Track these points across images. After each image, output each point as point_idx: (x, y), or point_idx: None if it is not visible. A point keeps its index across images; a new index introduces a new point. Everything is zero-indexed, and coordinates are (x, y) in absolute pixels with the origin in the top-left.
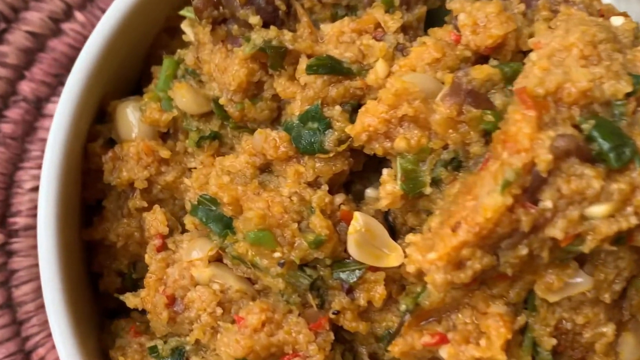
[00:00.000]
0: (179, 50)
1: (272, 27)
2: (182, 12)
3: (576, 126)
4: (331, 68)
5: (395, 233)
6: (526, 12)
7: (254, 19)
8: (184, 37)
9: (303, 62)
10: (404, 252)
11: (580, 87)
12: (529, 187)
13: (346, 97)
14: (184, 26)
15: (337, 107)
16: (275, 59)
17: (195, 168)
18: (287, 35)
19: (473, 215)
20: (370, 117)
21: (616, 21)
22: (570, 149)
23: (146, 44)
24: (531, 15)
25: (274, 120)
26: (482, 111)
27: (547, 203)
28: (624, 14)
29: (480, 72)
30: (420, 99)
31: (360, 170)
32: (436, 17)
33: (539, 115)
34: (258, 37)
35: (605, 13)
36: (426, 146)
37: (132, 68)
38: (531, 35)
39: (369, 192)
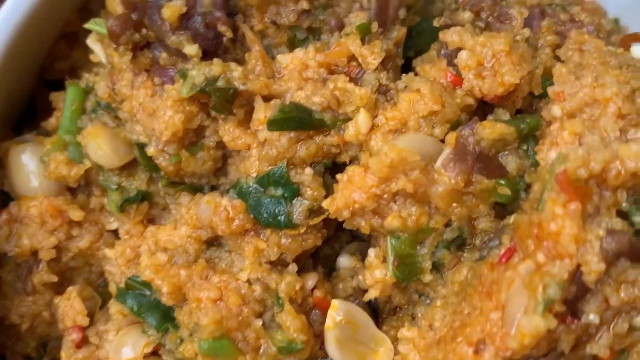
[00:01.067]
0: (86, 76)
1: (215, 60)
2: (88, 26)
3: (621, 212)
4: (299, 122)
5: (377, 314)
6: (529, 37)
7: (191, 49)
8: (91, 56)
9: (260, 110)
10: (393, 344)
11: (630, 169)
12: (572, 298)
13: (318, 155)
14: (91, 43)
15: (308, 170)
16: (222, 102)
17: (116, 230)
18: (236, 71)
19: (503, 337)
20: (356, 191)
21: (638, 51)
22: (621, 250)
23: (39, 55)
24: (534, 40)
25: (218, 171)
26: (495, 181)
27: (592, 317)
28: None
29: (492, 132)
30: (420, 168)
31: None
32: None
33: (584, 206)
34: (198, 74)
35: (622, 41)
36: (426, 226)
37: (22, 88)
38: (545, 73)
39: (343, 261)
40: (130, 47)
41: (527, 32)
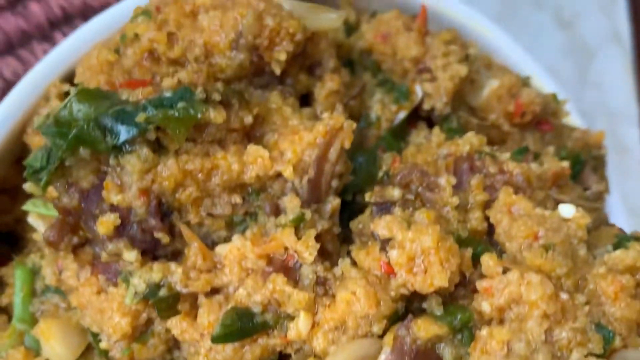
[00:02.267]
0: (32, 257)
1: (155, 266)
2: (26, 207)
3: None
4: (242, 332)
5: None
6: (459, 204)
7: (130, 255)
8: (34, 235)
9: (203, 314)
10: None
11: None
12: None
13: (264, 357)
14: (33, 221)
15: None
16: (165, 309)
17: None
18: (176, 273)
19: None
20: None
21: (566, 211)
22: None
23: None
24: (464, 200)
25: (173, 346)
26: None
27: None
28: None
29: (427, 333)
30: None
31: None
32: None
33: None
34: (139, 282)
35: (554, 204)
36: None
37: None
38: (476, 240)
39: None
40: (70, 249)
41: (455, 200)
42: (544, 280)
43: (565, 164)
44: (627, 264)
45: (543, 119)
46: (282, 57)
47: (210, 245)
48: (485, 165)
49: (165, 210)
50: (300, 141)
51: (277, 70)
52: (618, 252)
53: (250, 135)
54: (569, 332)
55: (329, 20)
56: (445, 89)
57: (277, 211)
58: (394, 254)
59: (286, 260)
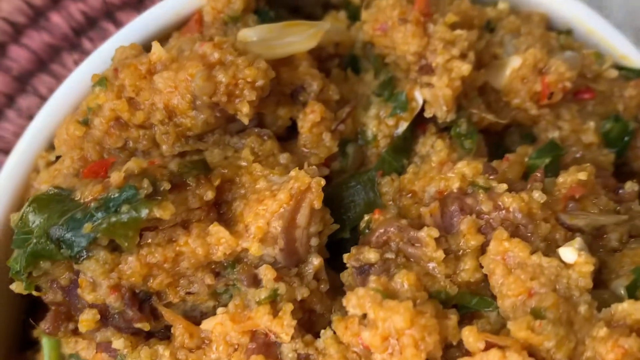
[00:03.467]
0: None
1: (143, 350)
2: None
3: None
4: None
5: None
6: (451, 250)
7: (118, 343)
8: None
9: None
10: None
11: None
12: None
13: None
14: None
15: None
16: None
17: None
18: (164, 356)
19: None
20: None
21: (568, 256)
22: None
23: None
24: (456, 245)
25: None
26: None
27: None
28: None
29: None
30: None
31: None
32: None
33: None
34: None
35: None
36: None
37: None
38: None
39: None
40: (70, 334)
41: (440, 255)
42: None
43: (583, 175)
44: (636, 319)
45: (582, 88)
46: (245, 109)
47: (199, 316)
48: (479, 202)
49: (142, 297)
50: (264, 213)
51: (245, 120)
52: (626, 305)
53: (218, 203)
54: None
55: (304, 40)
56: (444, 97)
57: (255, 281)
58: (366, 335)
59: (267, 337)
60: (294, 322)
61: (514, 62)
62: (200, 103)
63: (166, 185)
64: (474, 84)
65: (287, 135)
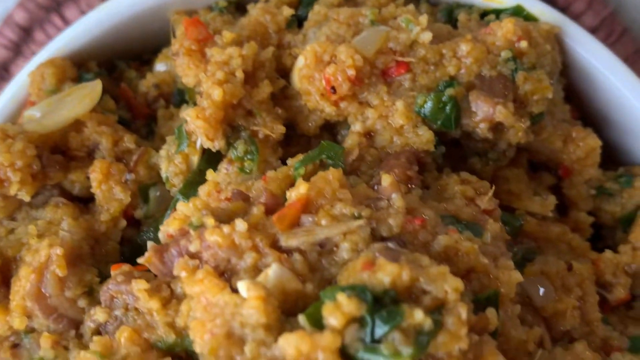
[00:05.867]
0: None
1: None
2: None
3: None
4: None
5: None
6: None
7: None
8: None
9: None
10: None
11: None
12: None
13: None
14: None
15: None
16: None
17: None
18: None
19: None
20: None
21: (243, 291)
22: None
23: None
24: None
25: None
26: None
27: None
28: None
29: None
30: None
31: None
32: None
33: None
34: None
35: None
36: None
37: None
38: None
39: None
40: None
41: (154, 305)
42: None
43: (303, 188)
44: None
45: (389, 65)
46: (13, 190)
47: None
48: (190, 242)
49: None
50: (19, 290)
51: (26, 198)
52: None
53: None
54: None
55: (80, 103)
56: (200, 128)
57: None
58: None
59: None
60: None
61: (299, 62)
62: None
63: None
64: (257, 99)
65: None
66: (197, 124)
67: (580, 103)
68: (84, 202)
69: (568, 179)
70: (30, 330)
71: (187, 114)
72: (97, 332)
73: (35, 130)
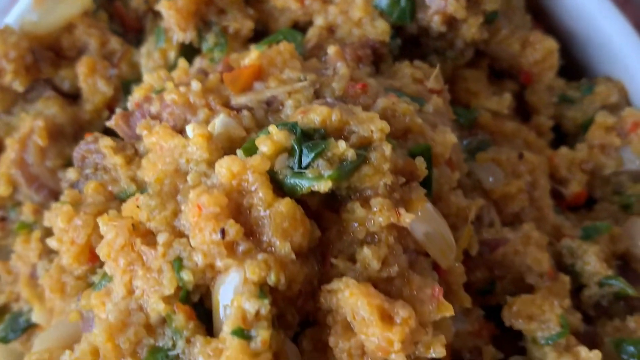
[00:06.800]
0: None
1: None
2: None
3: None
4: None
5: None
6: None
7: None
8: None
9: None
10: None
11: None
12: None
13: None
14: None
15: None
16: None
17: None
18: None
19: None
20: None
21: (189, 132)
22: None
23: None
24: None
25: None
26: None
27: None
28: None
29: None
30: None
31: None
32: None
33: None
34: None
35: None
36: None
37: None
38: None
39: None
40: None
41: (118, 161)
42: None
43: (254, 54)
44: (226, 179)
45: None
46: (8, 79)
47: None
48: (152, 104)
49: None
50: (6, 160)
51: (20, 89)
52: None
53: None
54: None
55: (71, 5)
56: (171, 18)
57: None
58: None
59: None
60: (41, 246)
61: None
62: None
63: None
64: None
65: None
66: (169, 14)
67: (546, 20)
68: (73, 98)
69: (530, 85)
70: (17, 204)
71: (162, 4)
72: None
73: (31, 31)
